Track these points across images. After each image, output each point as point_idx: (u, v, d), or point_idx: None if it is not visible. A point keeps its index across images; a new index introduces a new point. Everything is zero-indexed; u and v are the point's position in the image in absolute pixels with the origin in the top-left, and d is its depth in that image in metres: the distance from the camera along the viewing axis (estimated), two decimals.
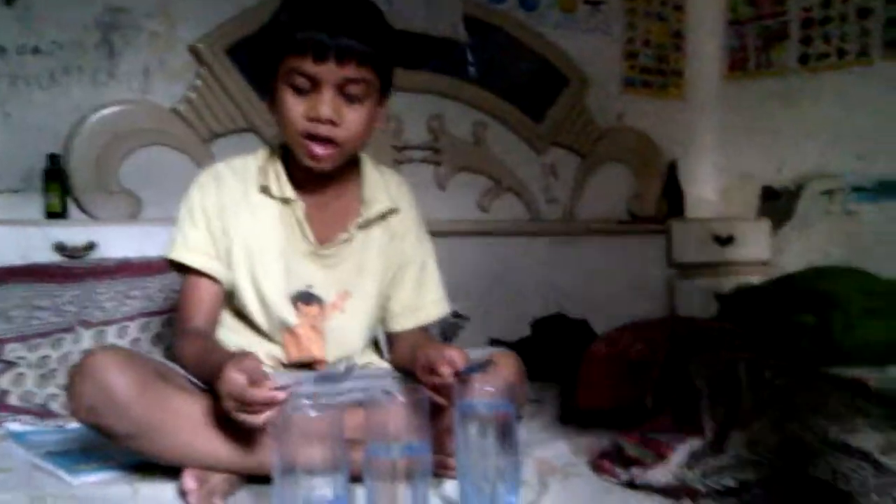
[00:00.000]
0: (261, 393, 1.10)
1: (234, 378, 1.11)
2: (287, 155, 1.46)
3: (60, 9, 2.19)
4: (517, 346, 2.16)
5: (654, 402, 1.59)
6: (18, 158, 2.16)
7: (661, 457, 1.30)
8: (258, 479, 1.23)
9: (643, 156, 3.08)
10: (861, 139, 2.77)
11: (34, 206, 2.14)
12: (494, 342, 2.27)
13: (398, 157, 2.62)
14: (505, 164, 2.80)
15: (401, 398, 1.14)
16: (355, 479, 1.15)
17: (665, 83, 3.22)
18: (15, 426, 1.57)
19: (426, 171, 2.68)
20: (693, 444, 1.31)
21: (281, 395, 1.09)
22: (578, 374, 1.72)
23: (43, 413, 1.61)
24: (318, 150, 1.37)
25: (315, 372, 1.46)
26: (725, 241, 2.90)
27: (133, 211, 2.25)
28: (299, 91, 1.35)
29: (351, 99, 1.36)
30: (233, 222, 1.44)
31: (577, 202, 2.94)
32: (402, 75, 2.59)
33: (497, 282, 2.59)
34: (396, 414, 1.13)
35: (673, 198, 3.04)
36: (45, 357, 1.73)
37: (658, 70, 3.22)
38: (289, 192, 1.45)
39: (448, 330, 2.28)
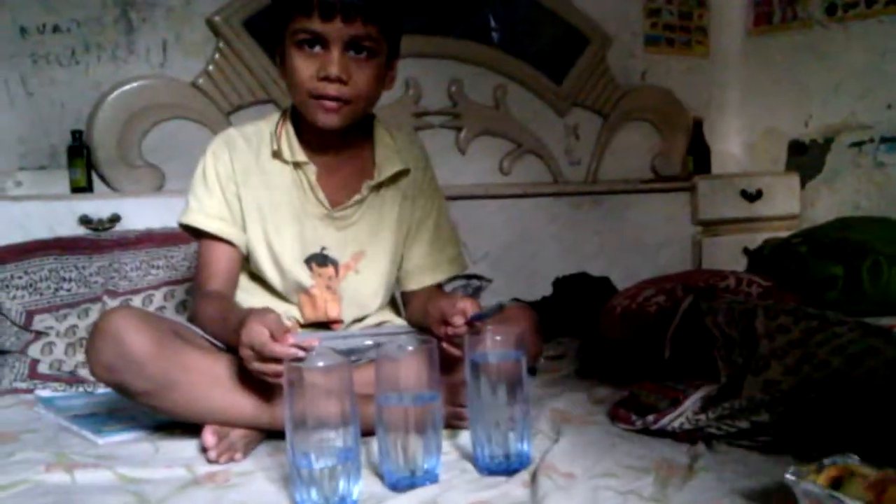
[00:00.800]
0: (280, 348, 1.11)
1: (258, 329, 1.13)
2: (298, 119, 1.47)
3: None
4: (539, 305, 2.17)
5: (673, 353, 1.58)
6: (43, 136, 2.21)
7: (675, 402, 1.29)
8: (277, 434, 1.25)
9: (667, 114, 3.04)
10: (890, 89, 2.70)
11: (60, 181, 2.19)
12: (515, 301, 2.28)
13: (418, 124, 2.62)
14: (526, 126, 2.78)
15: (411, 349, 1.15)
16: (370, 433, 1.17)
17: (689, 40, 3.17)
18: (45, 393, 1.61)
19: (447, 136, 2.68)
20: (708, 389, 1.30)
21: (299, 352, 1.11)
22: (598, 328, 1.71)
23: (72, 380, 1.66)
24: (328, 107, 1.37)
25: (331, 333, 1.48)
26: (753, 196, 2.86)
27: (156, 184, 2.28)
28: (308, 52, 1.36)
29: (359, 58, 1.37)
30: (246, 187, 1.45)
31: (600, 163, 2.92)
32: (421, 41, 2.60)
33: (520, 244, 2.59)
34: (407, 365, 1.14)
35: (699, 155, 3.00)
36: (73, 326, 1.77)
37: (682, 27, 3.16)
38: (300, 155, 1.46)
39: (471, 293, 2.28)
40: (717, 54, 3.17)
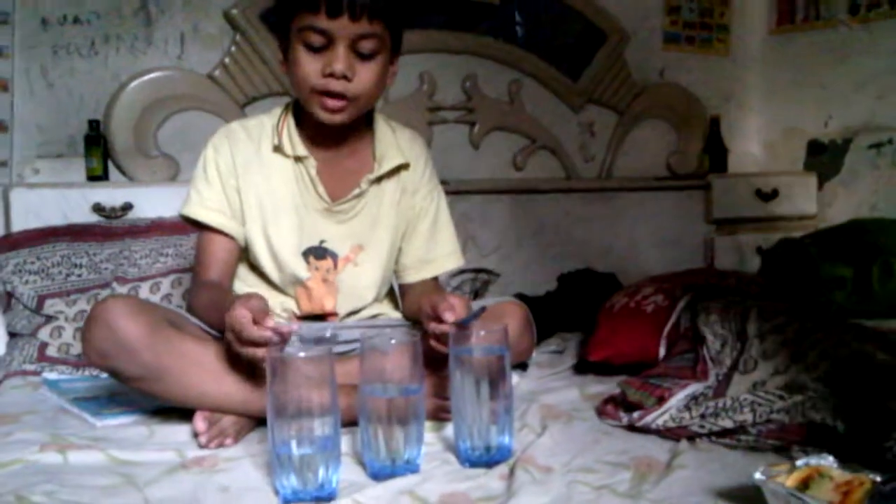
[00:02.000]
0: (257, 332, 1.14)
1: (239, 313, 1.16)
2: (300, 113, 1.50)
3: None
4: (542, 300, 2.18)
5: (668, 352, 1.59)
6: (62, 125, 2.25)
7: (661, 400, 1.30)
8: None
9: (684, 112, 3.02)
10: None
11: (77, 170, 2.23)
12: (518, 297, 2.28)
13: (432, 119, 2.63)
14: (540, 122, 2.78)
15: (395, 342, 1.17)
16: (354, 423, 1.19)
17: (709, 38, 3.14)
18: (51, 375, 1.66)
19: (460, 130, 2.68)
20: (694, 388, 1.31)
21: (274, 337, 1.13)
22: (595, 326, 1.72)
23: (78, 364, 1.70)
24: (332, 104, 1.39)
25: (311, 326, 1.50)
26: (769, 196, 2.84)
27: (171, 174, 2.32)
28: (313, 48, 1.37)
29: (363, 55, 1.38)
30: (246, 180, 1.48)
31: (614, 160, 2.91)
32: (437, 36, 2.61)
33: (530, 239, 2.59)
34: (392, 357, 1.16)
35: (715, 154, 2.97)
36: (82, 311, 1.82)
37: (702, 24, 3.14)
38: (301, 149, 1.48)
39: (479, 287, 2.30)
40: (738, 52, 3.14)
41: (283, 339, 1.15)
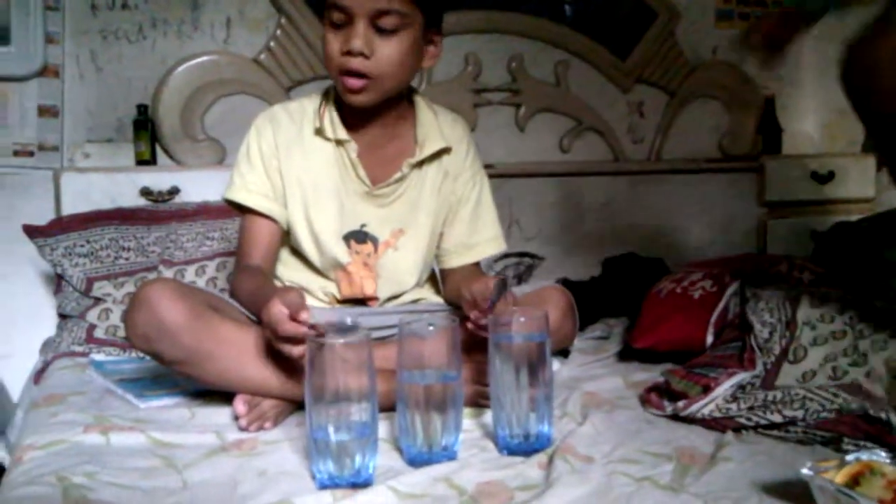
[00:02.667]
0: (293, 328, 1.14)
1: (275, 310, 1.16)
2: (341, 97, 1.49)
3: None
4: (587, 285, 2.14)
5: (715, 339, 1.55)
6: (111, 110, 2.29)
7: (706, 389, 1.27)
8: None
9: (737, 91, 2.93)
10: None
11: (126, 154, 2.27)
12: (563, 282, 2.25)
13: (477, 101, 2.60)
14: (587, 103, 2.73)
15: (433, 328, 1.16)
16: (392, 408, 1.19)
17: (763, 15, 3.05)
18: (98, 356, 1.69)
19: (506, 112, 2.65)
20: (741, 377, 1.27)
21: (311, 333, 1.13)
22: (640, 313, 1.68)
23: (125, 345, 1.72)
24: (352, 83, 1.38)
25: (334, 311, 1.50)
26: (825, 178, 2.75)
27: (218, 157, 2.34)
28: (336, 26, 1.37)
29: (384, 31, 1.36)
30: (288, 163, 1.48)
31: (664, 141, 2.84)
32: (481, 16, 2.58)
33: (576, 223, 2.56)
34: (430, 343, 1.15)
35: (769, 135, 2.88)
36: (129, 294, 1.84)
37: (757, 1, 3.04)
38: (342, 133, 1.47)
39: (522, 271, 2.27)
40: None
41: (319, 335, 1.14)
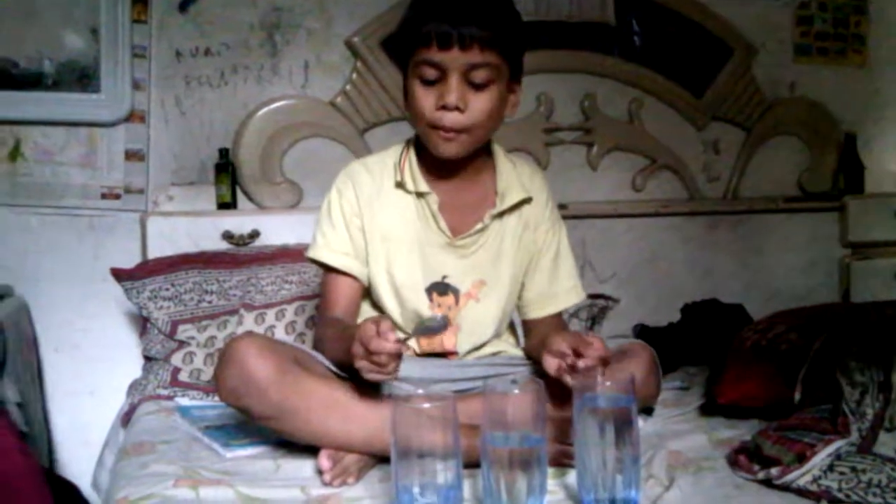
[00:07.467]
0: (384, 343, 1.16)
1: (368, 327, 1.18)
2: (421, 148, 1.50)
3: (228, 11, 2.36)
4: (666, 331, 2.11)
5: (804, 397, 1.50)
6: (194, 153, 2.36)
7: (801, 458, 1.22)
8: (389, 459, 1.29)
9: (817, 128, 2.86)
10: None
11: (207, 196, 2.33)
12: (641, 328, 2.22)
13: (549, 140, 2.60)
14: (661, 141, 2.70)
15: (518, 388, 1.15)
16: (476, 464, 1.18)
17: (843, 49, 2.97)
18: (184, 401, 1.73)
19: (577, 151, 2.64)
20: (837, 444, 1.23)
21: (401, 346, 1.17)
22: (724, 365, 1.65)
23: (209, 389, 1.76)
24: (446, 137, 1.39)
25: (446, 361, 1.50)
26: None
27: (295, 199, 2.39)
28: (428, 82, 1.39)
29: (476, 85, 1.38)
30: (369, 218, 1.50)
31: (741, 179, 2.78)
32: (552, 56, 2.58)
33: (650, 264, 2.53)
34: (515, 402, 1.14)
35: (850, 172, 2.81)
36: (212, 337, 1.89)
37: (836, 35, 2.97)
38: (423, 185, 1.49)
39: (596, 313, 2.25)
40: (876, 64, 2.95)
41: (398, 353, 1.18)
